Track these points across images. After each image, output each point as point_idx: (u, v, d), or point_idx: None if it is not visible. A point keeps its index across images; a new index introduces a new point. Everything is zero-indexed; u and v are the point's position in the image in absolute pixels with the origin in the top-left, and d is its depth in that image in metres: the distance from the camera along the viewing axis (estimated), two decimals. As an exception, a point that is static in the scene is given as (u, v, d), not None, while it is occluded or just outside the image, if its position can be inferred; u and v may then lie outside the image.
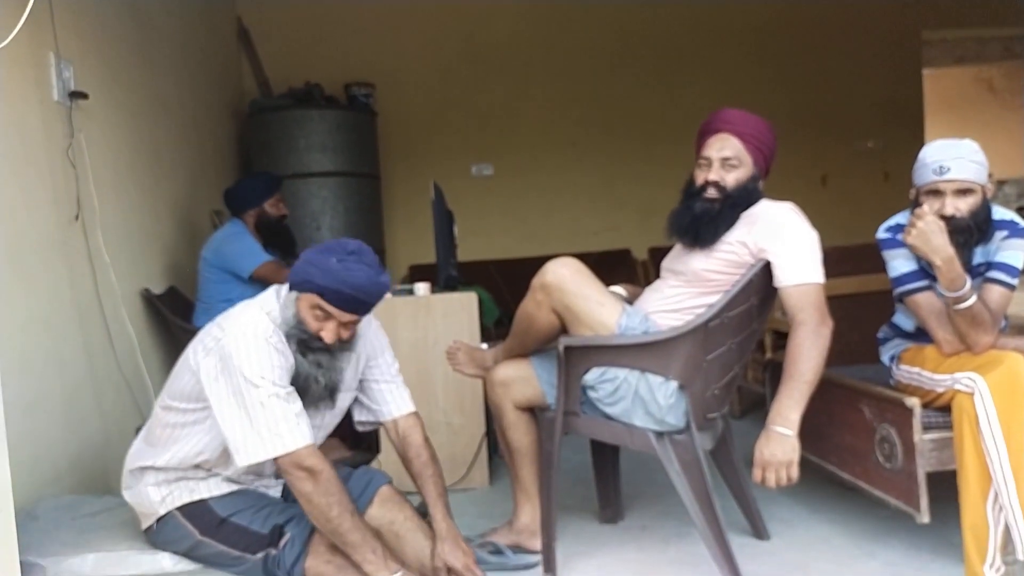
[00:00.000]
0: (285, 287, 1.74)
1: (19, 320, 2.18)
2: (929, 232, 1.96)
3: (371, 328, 1.89)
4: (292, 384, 1.68)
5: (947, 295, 1.98)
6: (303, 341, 1.69)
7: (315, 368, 1.70)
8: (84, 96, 2.65)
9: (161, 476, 1.72)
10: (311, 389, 1.70)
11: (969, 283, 1.96)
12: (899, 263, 2.14)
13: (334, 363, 1.74)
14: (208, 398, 1.62)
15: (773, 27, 5.57)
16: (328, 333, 1.69)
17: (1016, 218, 2.09)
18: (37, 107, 2.42)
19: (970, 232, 2.02)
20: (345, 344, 1.74)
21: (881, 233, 2.20)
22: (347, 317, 1.69)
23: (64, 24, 2.57)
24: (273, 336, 1.63)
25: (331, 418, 1.87)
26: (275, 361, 1.60)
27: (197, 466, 1.72)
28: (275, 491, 1.84)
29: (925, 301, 2.09)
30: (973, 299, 1.95)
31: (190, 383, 1.69)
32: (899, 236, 2.11)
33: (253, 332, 1.61)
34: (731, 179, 2.12)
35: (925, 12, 5.72)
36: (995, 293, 2.03)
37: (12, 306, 2.15)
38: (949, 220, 2.01)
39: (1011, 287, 2.04)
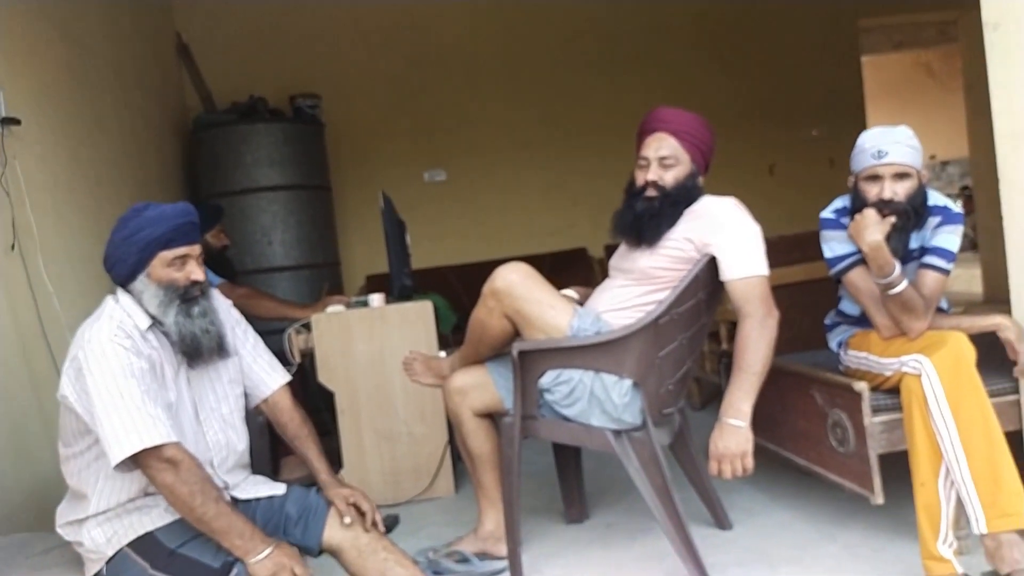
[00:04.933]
0: (114, 296, 1.73)
1: (-41, 356, 2.13)
2: (864, 222, 2.01)
3: (220, 303, 1.88)
4: (192, 350, 1.70)
5: (878, 282, 2.02)
6: (183, 300, 1.70)
7: (202, 319, 1.72)
8: (16, 122, 2.59)
9: (101, 518, 1.68)
10: (203, 344, 1.72)
11: (898, 269, 1.99)
12: (835, 244, 2.17)
13: (212, 307, 1.77)
14: (84, 417, 1.61)
15: (714, 20, 5.65)
16: (196, 271, 1.73)
17: (949, 204, 2.13)
18: (-34, 135, 2.36)
19: (907, 216, 2.06)
20: (208, 285, 1.78)
21: (826, 213, 2.22)
22: (196, 249, 1.75)
23: (-9, 49, 2.51)
24: (120, 334, 1.62)
25: (225, 388, 1.83)
26: (125, 361, 1.59)
27: (131, 499, 1.69)
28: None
29: (859, 279, 2.12)
30: (903, 285, 1.99)
31: (71, 420, 1.67)
32: (843, 220, 2.14)
33: (98, 338, 1.61)
34: (669, 177, 2.14)
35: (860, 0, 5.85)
36: (929, 278, 2.07)
37: (-50, 342, 2.10)
38: (887, 204, 2.05)
39: (945, 272, 2.08)
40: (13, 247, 2.50)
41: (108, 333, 1.62)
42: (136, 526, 1.67)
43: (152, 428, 1.55)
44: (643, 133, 2.23)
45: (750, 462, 1.94)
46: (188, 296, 1.71)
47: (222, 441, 1.79)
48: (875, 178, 2.08)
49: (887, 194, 2.06)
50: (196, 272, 1.73)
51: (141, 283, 1.70)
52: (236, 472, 1.83)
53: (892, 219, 2.03)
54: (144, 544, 1.66)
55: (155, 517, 1.67)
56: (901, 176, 2.07)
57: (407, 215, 3.38)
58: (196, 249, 1.75)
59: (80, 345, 1.63)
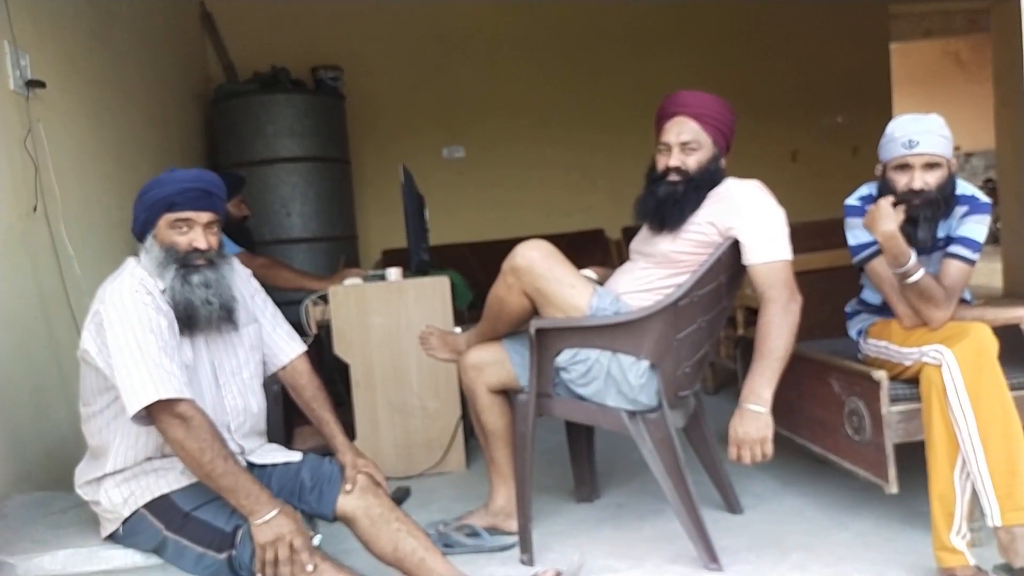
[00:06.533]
0: (136, 257, 1.75)
1: (-19, 315, 2.15)
2: (878, 212, 2.00)
3: (239, 273, 1.88)
4: (186, 317, 1.69)
5: (894, 271, 2.01)
6: (182, 264, 1.69)
7: (203, 289, 1.70)
8: (42, 85, 2.59)
9: (119, 477, 1.70)
10: (200, 314, 1.71)
11: (913, 258, 1.98)
12: (859, 232, 2.15)
13: (220, 278, 1.75)
14: (105, 371, 1.63)
15: (741, 5, 5.57)
16: (199, 239, 1.71)
17: (977, 193, 2.11)
18: (-8, 97, 2.37)
19: (937, 206, 2.04)
20: (220, 256, 1.76)
21: (852, 200, 2.20)
22: (205, 217, 1.72)
23: (19, 12, 2.51)
24: (140, 290, 1.64)
25: (246, 354, 1.84)
26: (144, 315, 1.61)
27: (149, 458, 1.71)
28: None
29: (882, 267, 2.10)
30: (920, 274, 1.97)
31: (91, 377, 1.69)
32: (868, 207, 2.12)
33: (119, 292, 1.63)
34: (692, 162, 2.12)
35: (892, -14, 5.76)
36: (953, 268, 2.05)
37: (-27, 301, 2.11)
38: (918, 194, 2.03)
39: (970, 262, 2.06)
40: (36, 209, 2.51)
41: (129, 288, 1.64)
42: (153, 488, 1.69)
43: (167, 382, 1.57)
44: (662, 117, 2.20)
45: (770, 448, 1.93)
46: (187, 262, 1.70)
47: (240, 406, 1.81)
48: (905, 167, 2.06)
49: (917, 184, 2.03)
50: (199, 240, 1.72)
51: (149, 242, 1.73)
52: (252, 438, 1.85)
53: (902, 207, 2.01)
54: (160, 506, 1.68)
55: (172, 480, 1.69)
56: (932, 166, 2.04)
57: (424, 191, 3.38)
58: (204, 217, 1.73)
59: (101, 299, 1.65)
